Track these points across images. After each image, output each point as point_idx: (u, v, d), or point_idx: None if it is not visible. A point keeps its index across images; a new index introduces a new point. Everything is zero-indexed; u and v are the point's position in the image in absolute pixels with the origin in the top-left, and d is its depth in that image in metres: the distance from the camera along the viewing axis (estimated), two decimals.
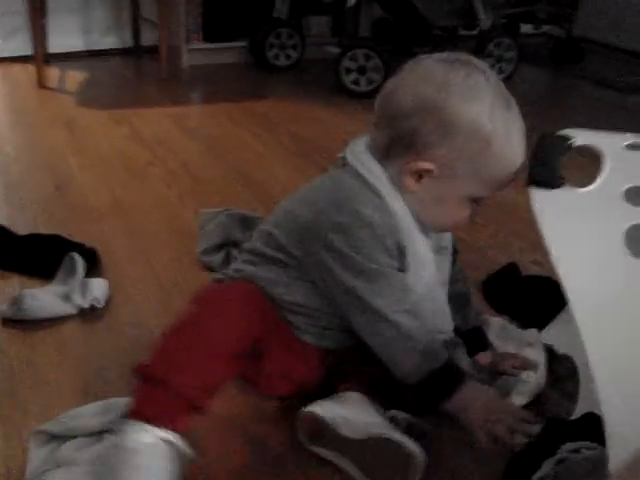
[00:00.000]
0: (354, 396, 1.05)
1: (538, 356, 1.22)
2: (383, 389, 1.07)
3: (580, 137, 0.94)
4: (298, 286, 1.04)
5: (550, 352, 1.23)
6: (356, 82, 2.93)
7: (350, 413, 1.02)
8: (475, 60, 0.99)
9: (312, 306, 1.05)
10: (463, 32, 3.48)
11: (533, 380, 1.16)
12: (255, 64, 3.33)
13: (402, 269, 1.00)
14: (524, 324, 1.33)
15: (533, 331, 1.29)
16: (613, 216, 0.87)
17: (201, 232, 1.57)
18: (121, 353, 1.24)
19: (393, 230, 0.98)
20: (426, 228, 1.03)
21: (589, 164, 0.91)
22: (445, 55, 0.99)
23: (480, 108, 0.94)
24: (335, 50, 3.07)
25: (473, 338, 1.19)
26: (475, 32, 3.25)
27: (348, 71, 2.92)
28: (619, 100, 3.12)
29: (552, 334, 1.28)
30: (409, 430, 1.01)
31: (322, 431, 1.02)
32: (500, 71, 3.21)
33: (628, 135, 0.98)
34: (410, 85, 0.97)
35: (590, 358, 0.78)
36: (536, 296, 1.41)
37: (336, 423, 1.00)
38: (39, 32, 2.87)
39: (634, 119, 2.78)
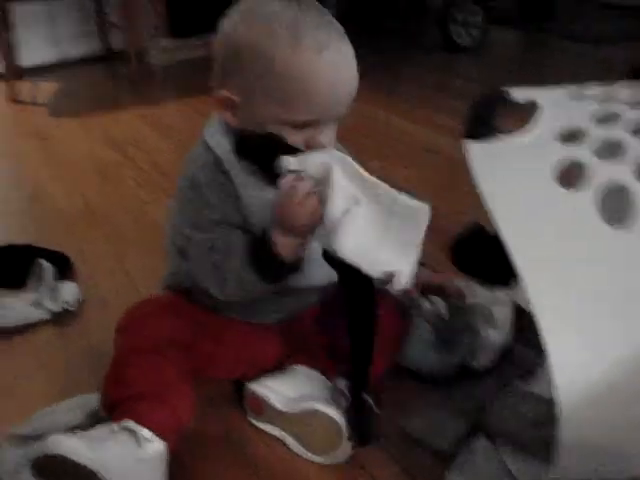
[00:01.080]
0: (298, 369, 1.08)
1: (506, 314, 1.24)
2: (330, 359, 1.09)
3: (518, 92, 0.95)
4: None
5: (517, 309, 1.25)
6: None
7: (286, 387, 1.05)
8: None
9: None
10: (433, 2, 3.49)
11: (498, 338, 1.18)
12: None
13: (239, 219, 1.00)
14: (493, 284, 1.34)
15: (501, 290, 1.30)
16: (546, 157, 0.86)
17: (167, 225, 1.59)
18: (93, 353, 1.26)
19: (222, 184, 0.99)
20: None
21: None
22: None
23: (261, 30, 0.93)
24: None
25: None
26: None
27: None
28: (592, 52, 3.12)
29: (517, 290, 1.29)
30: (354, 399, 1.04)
31: (263, 407, 1.05)
32: (469, 36, 3.22)
33: (567, 88, 0.99)
34: (221, 26, 0.98)
35: (532, 299, 0.78)
36: (503, 255, 1.42)
37: (270, 398, 1.04)
38: (5, 47, 2.89)
39: (608, 69, 2.78)
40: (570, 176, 0.86)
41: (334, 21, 0.96)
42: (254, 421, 1.08)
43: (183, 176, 1.03)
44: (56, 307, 1.37)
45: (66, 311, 1.38)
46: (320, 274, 1.03)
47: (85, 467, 0.86)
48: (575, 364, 0.76)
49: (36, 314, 1.35)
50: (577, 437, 0.76)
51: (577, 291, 0.79)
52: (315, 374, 1.08)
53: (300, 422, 1.02)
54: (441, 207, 1.69)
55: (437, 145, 2.08)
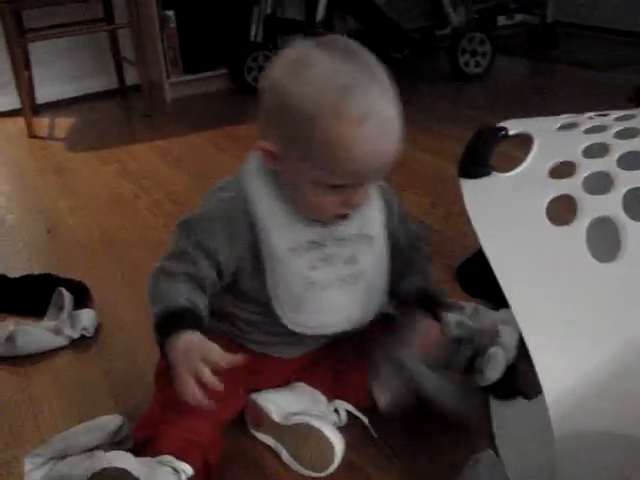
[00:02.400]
0: (301, 387, 1.12)
1: (511, 333, 1.27)
2: (332, 382, 1.13)
3: (514, 127, 0.99)
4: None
5: None
6: None
7: (287, 401, 1.09)
8: (340, 39, 0.95)
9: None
10: (440, 32, 3.55)
11: (503, 355, 1.21)
12: (236, 89, 3.40)
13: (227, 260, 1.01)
14: (498, 305, 1.38)
15: (507, 311, 1.33)
16: (536, 192, 0.90)
17: None
18: (111, 377, 1.31)
19: (235, 220, 1.00)
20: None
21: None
22: (315, 38, 0.96)
23: (306, 90, 0.90)
24: None
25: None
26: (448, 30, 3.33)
27: None
28: (597, 78, 3.17)
29: None
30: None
31: (262, 417, 1.09)
32: (477, 65, 3.28)
33: (562, 117, 1.03)
34: (270, 70, 0.97)
35: (523, 330, 0.84)
36: None
37: (268, 409, 1.08)
38: (24, 85, 2.96)
39: (612, 94, 2.81)
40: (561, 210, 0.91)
41: (385, 79, 0.95)
42: (253, 431, 1.12)
43: (203, 198, 1.05)
44: (75, 334, 1.41)
45: (84, 337, 1.42)
46: (339, 324, 1.09)
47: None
48: (560, 369, 0.81)
49: (56, 341, 1.40)
50: (575, 444, 0.80)
51: (563, 318, 0.83)
52: (317, 393, 1.11)
53: (295, 436, 1.05)
54: (447, 232, 1.75)
55: (446, 172, 2.12)
